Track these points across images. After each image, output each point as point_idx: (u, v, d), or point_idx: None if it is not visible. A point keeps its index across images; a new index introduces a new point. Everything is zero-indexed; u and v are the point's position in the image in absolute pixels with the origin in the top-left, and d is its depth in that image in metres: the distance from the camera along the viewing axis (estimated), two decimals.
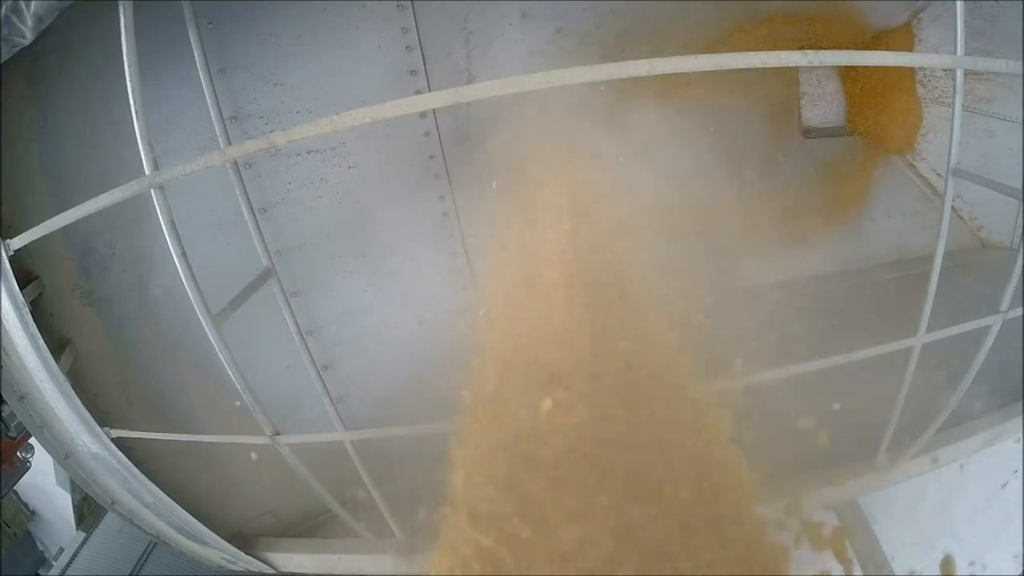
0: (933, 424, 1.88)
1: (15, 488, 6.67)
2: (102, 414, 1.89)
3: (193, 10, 1.89)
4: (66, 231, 1.51)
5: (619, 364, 1.41)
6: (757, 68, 1.19)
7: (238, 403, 1.67)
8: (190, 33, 1.91)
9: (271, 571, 2.24)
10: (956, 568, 1.80)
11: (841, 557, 1.52)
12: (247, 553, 2.21)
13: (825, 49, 1.49)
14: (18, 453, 6.19)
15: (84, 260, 2.03)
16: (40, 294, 1.89)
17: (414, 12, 2.21)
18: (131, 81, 1.39)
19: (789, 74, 2.78)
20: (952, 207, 1.65)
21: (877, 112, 2.76)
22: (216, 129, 2.05)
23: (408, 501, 1.87)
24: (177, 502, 1.98)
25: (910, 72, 2.73)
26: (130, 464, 1.88)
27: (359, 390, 2.51)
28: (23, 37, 1.36)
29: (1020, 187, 1.59)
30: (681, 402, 1.40)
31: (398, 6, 2.18)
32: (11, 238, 1.53)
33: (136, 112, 1.40)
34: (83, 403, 1.76)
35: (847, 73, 2.80)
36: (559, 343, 1.46)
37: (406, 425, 1.63)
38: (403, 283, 2.52)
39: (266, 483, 2.24)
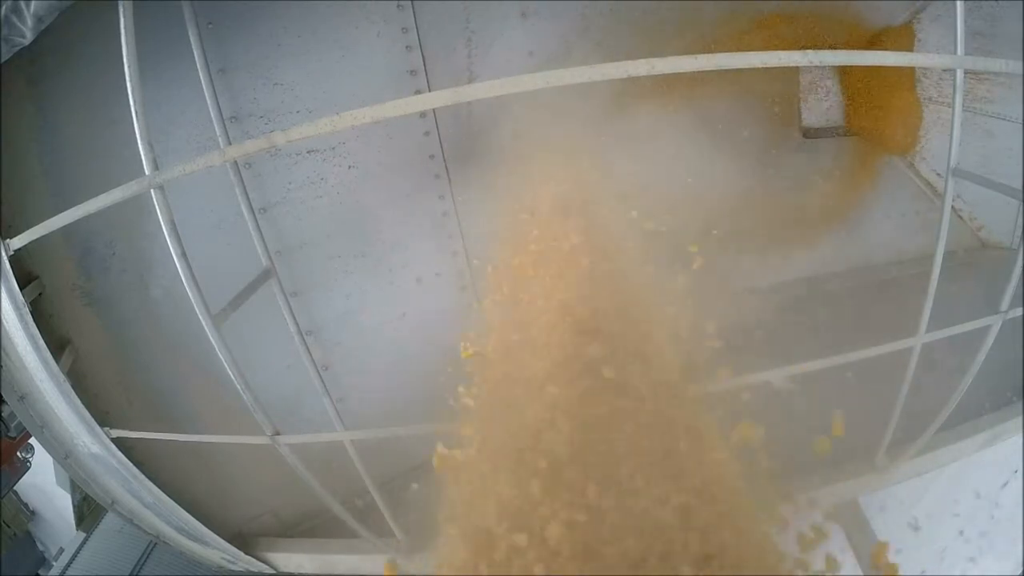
0: (933, 424, 1.88)
1: (15, 488, 6.66)
2: (102, 414, 1.89)
3: (193, 10, 1.89)
4: (66, 231, 1.51)
5: (619, 364, 1.41)
6: (757, 68, 1.18)
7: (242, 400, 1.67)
8: (190, 33, 1.91)
9: (271, 571, 2.24)
10: (888, 553, 1.79)
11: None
12: (247, 553, 2.21)
13: (825, 49, 1.49)
14: (18, 453, 6.19)
15: (84, 260, 2.03)
16: (40, 294, 1.89)
17: (414, 12, 2.20)
18: (131, 81, 1.39)
19: (789, 74, 2.78)
20: (952, 207, 1.65)
21: (877, 112, 2.76)
22: (216, 129, 2.05)
23: (409, 502, 1.87)
24: (177, 502, 1.98)
25: (910, 72, 2.72)
26: (130, 464, 1.88)
27: (359, 390, 2.51)
28: (23, 37, 1.36)
29: (1020, 187, 1.59)
30: (680, 403, 1.40)
31: (398, 6, 2.18)
32: (11, 238, 1.53)
33: (136, 112, 1.40)
34: (83, 403, 1.76)
35: (847, 73, 2.80)
36: (559, 343, 1.46)
37: (406, 425, 1.63)
38: (403, 283, 2.52)
39: (266, 483, 2.24)
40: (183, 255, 1.45)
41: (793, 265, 2.85)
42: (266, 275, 2.09)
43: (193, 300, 1.47)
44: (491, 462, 1.35)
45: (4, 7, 1.29)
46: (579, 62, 1.15)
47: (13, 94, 1.79)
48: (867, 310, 2.39)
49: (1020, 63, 1.34)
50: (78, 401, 1.75)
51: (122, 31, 1.36)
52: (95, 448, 1.85)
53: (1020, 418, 2.06)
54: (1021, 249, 1.56)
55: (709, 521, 1.15)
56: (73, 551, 5.72)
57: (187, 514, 2.01)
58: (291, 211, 2.30)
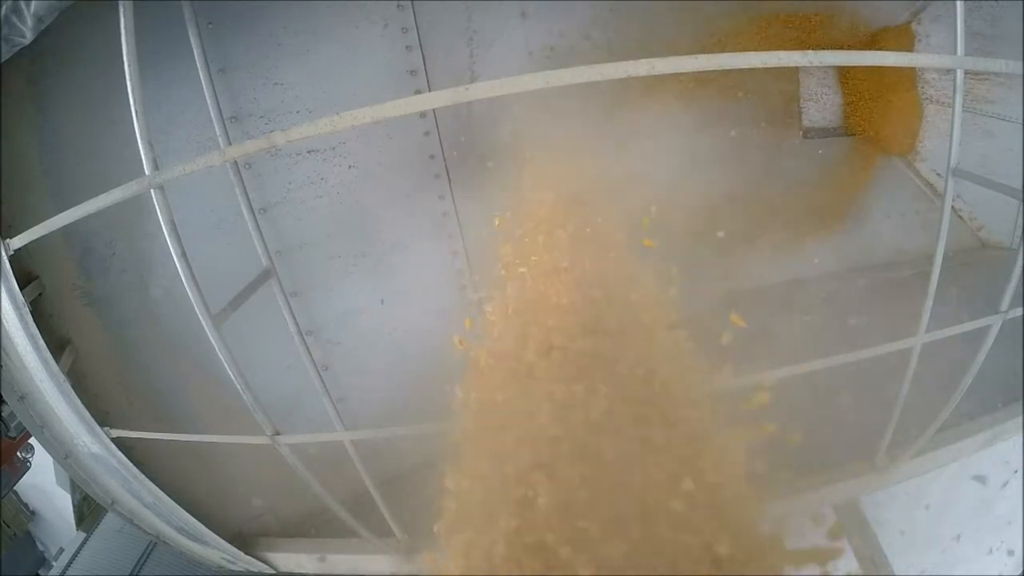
0: (933, 424, 1.88)
1: (15, 488, 6.66)
2: (102, 414, 1.89)
3: (193, 10, 1.89)
4: (66, 231, 1.51)
5: (619, 364, 1.41)
6: (757, 68, 1.19)
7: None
8: (190, 33, 1.91)
9: (271, 571, 2.24)
10: (843, 532, 1.76)
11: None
12: (247, 553, 2.21)
13: (825, 49, 1.49)
14: (18, 453, 6.19)
15: (84, 260, 2.03)
16: (40, 294, 1.89)
17: (414, 12, 2.21)
18: (131, 81, 1.39)
19: (789, 74, 2.78)
20: (952, 207, 1.65)
21: (877, 113, 2.76)
22: (216, 129, 2.05)
23: (409, 502, 1.87)
24: (177, 502, 1.98)
25: (910, 72, 2.73)
26: (130, 464, 1.88)
27: (359, 390, 2.51)
28: (23, 37, 1.36)
29: (1020, 187, 1.59)
30: (680, 403, 1.40)
31: (398, 6, 2.18)
32: (11, 238, 1.53)
33: (136, 112, 1.40)
34: (83, 403, 1.76)
35: (847, 73, 2.80)
36: (559, 343, 1.46)
37: (406, 425, 1.63)
38: (403, 283, 2.52)
39: (266, 483, 2.24)
40: (183, 255, 1.45)
41: (793, 265, 2.85)
42: (266, 275, 2.09)
43: (193, 300, 1.47)
44: (490, 461, 1.35)
45: (4, 7, 1.29)
46: (580, 62, 1.15)
47: (13, 94, 1.79)
48: (867, 310, 2.39)
49: (1020, 63, 1.34)
50: (78, 401, 1.75)
51: (122, 31, 1.36)
52: (95, 448, 1.85)
53: (1020, 418, 2.07)
54: (1021, 249, 1.56)
55: (709, 521, 1.15)
56: (73, 551, 5.72)
57: (187, 514, 2.01)
58: (291, 211, 2.30)
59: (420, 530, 1.92)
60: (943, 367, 1.78)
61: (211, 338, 1.51)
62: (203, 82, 1.99)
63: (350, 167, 2.34)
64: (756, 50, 1.16)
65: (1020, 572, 2.44)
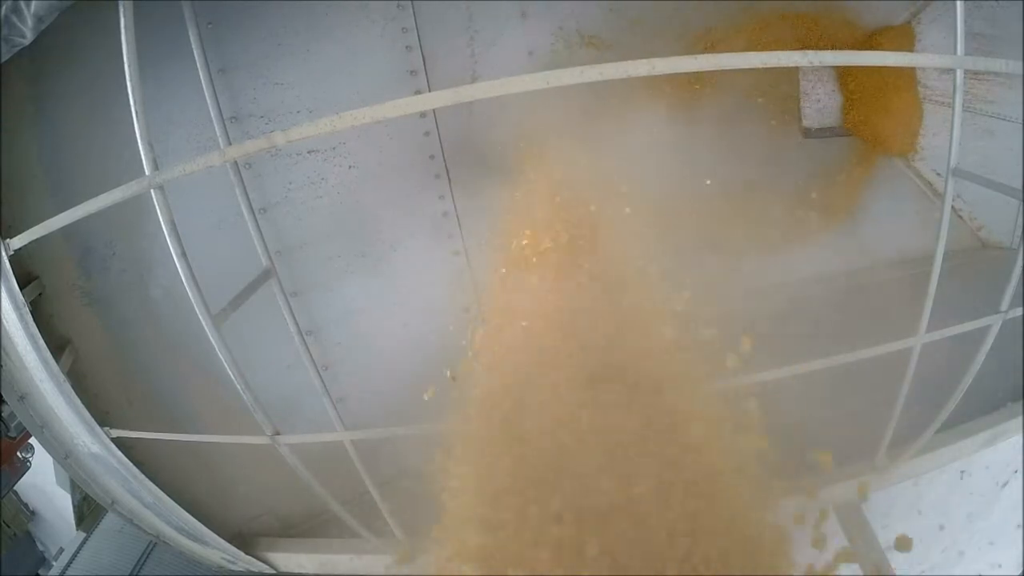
0: (933, 424, 1.88)
1: (15, 488, 6.66)
2: (102, 414, 1.89)
3: (193, 10, 1.89)
4: (66, 231, 1.50)
5: (619, 365, 1.41)
6: (757, 68, 1.19)
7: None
8: (190, 33, 1.91)
9: (271, 571, 2.24)
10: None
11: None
12: (247, 553, 2.20)
13: (825, 49, 1.49)
14: (18, 453, 6.18)
15: (84, 260, 2.03)
16: (40, 294, 1.89)
17: (414, 12, 2.20)
18: (131, 81, 1.39)
19: (789, 74, 2.77)
20: (952, 207, 1.65)
21: (877, 113, 2.76)
22: (216, 129, 2.05)
23: (409, 502, 1.87)
24: (177, 502, 1.98)
25: (910, 72, 2.72)
26: (130, 464, 1.88)
27: (359, 390, 2.51)
28: (23, 37, 1.36)
29: (1020, 187, 1.59)
30: (680, 402, 1.40)
31: (398, 6, 2.18)
32: (11, 238, 1.53)
33: (136, 112, 1.40)
34: (83, 403, 1.76)
35: (847, 73, 2.79)
36: (559, 343, 1.46)
37: (406, 425, 1.63)
38: (403, 283, 2.52)
39: (266, 483, 2.24)
40: (183, 255, 1.45)
41: (793, 265, 2.85)
42: (266, 275, 2.09)
43: (193, 300, 1.47)
44: (490, 461, 1.35)
45: (4, 7, 1.29)
46: (580, 62, 1.15)
47: (13, 94, 1.78)
48: (867, 310, 2.39)
49: (1020, 63, 1.34)
50: (78, 401, 1.75)
51: (122, 31, 1.36)
52: (95, 448, 1.85)
53: (1020, 418, 2.06)
54: (1021, 249, 1.56)
55: (709, 521, 1.15)
56: (73, 551, 5.72)
57: (187, 514, 2.01)
58: (291, 211, 2.30)
59: (420, 530, 1.92)
60: (943, 367, 1.78)
61: (211, 338, 1.51)
62: (203, 82, 1.99)
63: (350, 167, 2.33)
64: (756, 50, 1.16)
65: (1020, 572, 2.44)
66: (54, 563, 6.40)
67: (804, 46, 2.61)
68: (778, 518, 1.57)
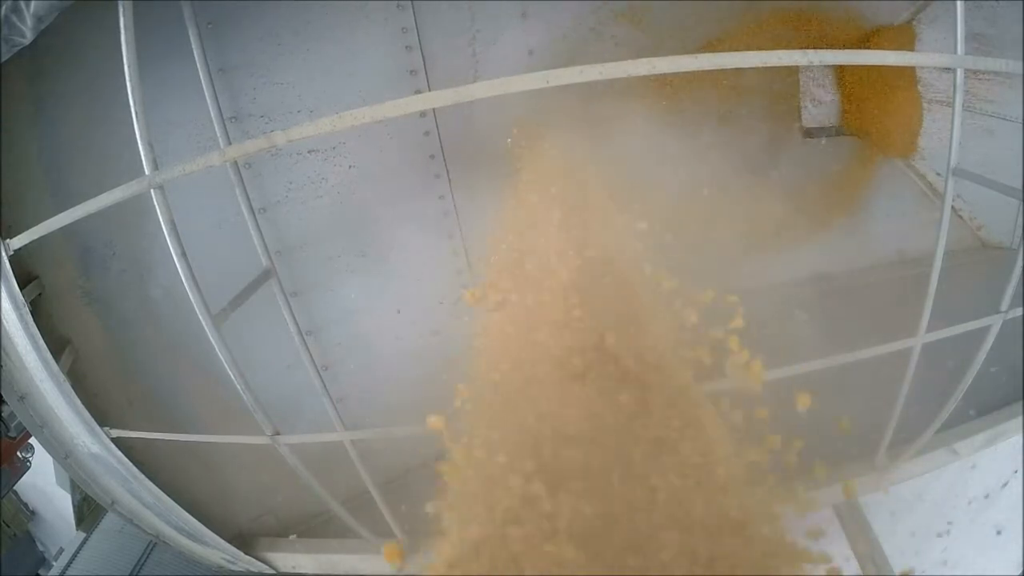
0: (933, 424, 1.88)
1: (15, 488, 6.67)
2: (102, 414, 1.89)
3: (193, 10, 1.89)
4: (66, 231, 1.50)
5: (619, 364, 1.41)
6: (757, 68, 1.18)
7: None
8: (190, 33, 1.91)
9: (271, 571, 2.24)
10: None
11: None
12: (247, 553, 2.20)
13: (825, 49, 1.49)
14: (18, 453, 6.19)
15: (84, 260, 2.03)
16: (40, 294, 1.88)
17: (414, 12, 2.20)
18: (131, 81, 1.39)
19: (789, 74, 2.78)
20: (952, 207, 1.65)
21: (877, 112, 2.76)
22: (216, 129, 2.05)
23: (409, 501, 1.87)
24: (177, 502, 1.97)
25: (910, 72, 2.73)
26: (130, 464, 1.87)
27: (359, 390, 2.51)
28: (23, 37, 1.36)
29: (1020, 187, 1.59)
30: (681, 401, 1.40)
31: (398, 6, 2.18)
32: (11, 238, 1.53)
33: (136, 112, 1.39)
34: (83, 403, 1.76)
35: (847, 73, 2.80)
36: (559, 344, 1.46)
37: (406, 425, 1.63)
38: (403, 283, 2.52)
39: (266, 483, 2.24)
40: (183, 255, 1.45)
41: (793, 265, 2.85)
42: (266, 275, 2.09)
43: (193, 300, 1.47)
44: (492, 460, 1.35)
45: (4, 7, 1.29)
46: (581, 62, 1.15)
47: (13, 94, 1.78)
48: (867, 310, 2.39)
49: (1020, 63, 1.34)
50: (78, 401, 1.75)
51: (122, 31, 1.35)
52: (95, 448, 1.85)
53: (1020, 418, 2.07)
54: (1021, 249, 1.56)
55: (711, 521, 1.14)
56: (73, 551, 5.72)
57: (187, 514, 2.00)
58: (291, 211, 2.30)
59: (420, 530, 1.92)
60: (943, 367, 1.78)
61: (211, 338, 1.51)
62: (203, 82, 1.99)
63: (350, 167, 2.33)
64: (756, 49, 1.16)
65: (1020, 572, 2.44)
66: (54, 563, 6.40)
67: (804, 45, 2.61)
68: (777, 518, 1.57)
